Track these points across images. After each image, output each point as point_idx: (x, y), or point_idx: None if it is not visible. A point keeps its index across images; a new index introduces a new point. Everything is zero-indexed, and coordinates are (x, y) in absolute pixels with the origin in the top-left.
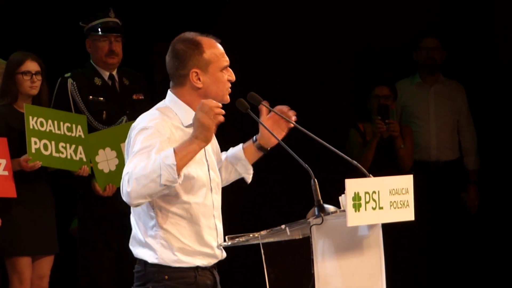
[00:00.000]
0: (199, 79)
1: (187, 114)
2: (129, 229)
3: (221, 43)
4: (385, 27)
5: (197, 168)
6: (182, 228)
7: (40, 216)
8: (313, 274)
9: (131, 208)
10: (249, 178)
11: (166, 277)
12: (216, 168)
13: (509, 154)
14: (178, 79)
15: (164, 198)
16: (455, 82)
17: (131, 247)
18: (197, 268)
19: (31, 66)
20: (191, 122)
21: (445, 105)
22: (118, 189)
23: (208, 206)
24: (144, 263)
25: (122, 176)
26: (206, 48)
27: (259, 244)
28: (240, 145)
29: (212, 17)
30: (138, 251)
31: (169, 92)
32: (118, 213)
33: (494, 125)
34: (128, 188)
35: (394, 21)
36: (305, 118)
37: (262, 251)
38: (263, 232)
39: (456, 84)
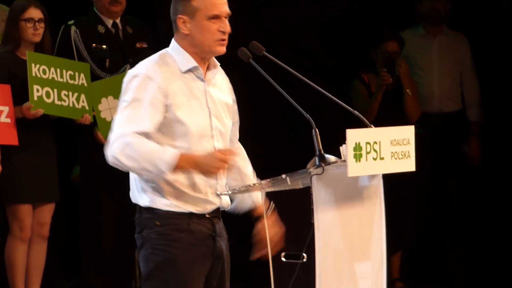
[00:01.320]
0: (185, 25)
1: (185, 60)
2: (129, 178)
3: None
4: None
5: (196, 115)
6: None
7: (41, 163)
8: (313, 223)
9: None
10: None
11: (158, 223)
12: (223, 116)
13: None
14: (173, 24)
15: (158, 141)
16: (458, 33)
17: (130, 193)
18: (191, 214)
19: (34, 13)
20: (189, 67)
21: (448, 57)
22: None
23: (207, 152)
24: (139, 209)
25: (114, 129)
26: None
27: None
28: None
29: None
30: (134, 196)
31: (173, 39)
32: None
33: (497, 77)
34: (117, 153)
35: None
36: (309, 69)
37: (263, 200)
38: (264, 181)
39: (460, 36)
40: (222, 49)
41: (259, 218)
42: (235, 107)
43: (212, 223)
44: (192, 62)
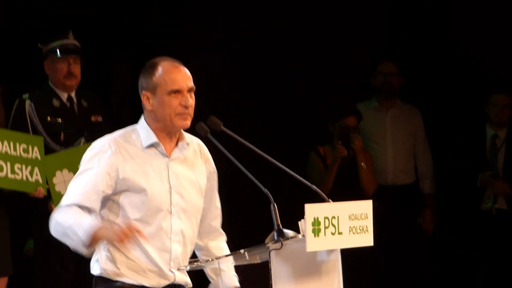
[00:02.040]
0: (148, 101)
1: (147, 136)
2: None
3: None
4: (343, 52)
5: (154, 189)
6: (129, 244)
7: None
8: None
9: None
10: None
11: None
12: (188, 193)
13: (465, 178)
14: (141, 100)
15: (112, 212)
16: (411, 106)
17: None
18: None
19: None
20: (150, 142)
21: (401, 129)
22: None
23: (163, 228)
24: (94, 279)
25: (59, 205)
26: (158, 71)
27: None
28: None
29: (171, 36)
30: (91, 265)
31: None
32: None
33: (450, 149)
34: (52, 220)
35: (352, 46)
36: (265, 142)
37: (221, 276)
38: (222, 256)
39: (413, 109)
40: (185, 123)
41: None
42: (213, 183)
43: None
44: (153, 138)
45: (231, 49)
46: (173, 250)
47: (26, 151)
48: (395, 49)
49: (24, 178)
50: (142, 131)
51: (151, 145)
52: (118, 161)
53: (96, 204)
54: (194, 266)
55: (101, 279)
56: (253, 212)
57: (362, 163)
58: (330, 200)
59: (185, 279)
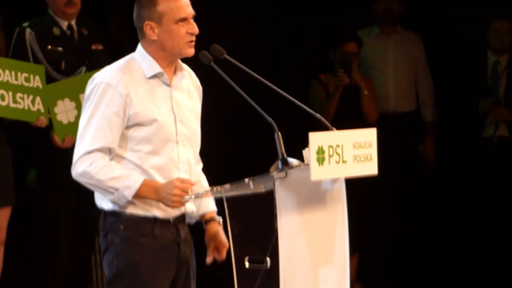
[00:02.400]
0: (153, 31)
1: (150, 65)
2: None
3: None
4: None
5: (160, 119)
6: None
7: None
8: (276, 228)
9: None
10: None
11: (122, 227)
12: (190, 121)
13: (466, 105)
14: (139, 31)
15: (120, 146)
16: (413, 33)
17: (95, 198)
18: (155, 219)
19: None
20: (154, 73)
21: (403, 57)
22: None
23: (171, 158)
24: (104, 213)
25: (77, 145)
26: (161, 0)
27: (222, 197)
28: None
29: None
30: (98, 201)
31: (138, 44)
32: None
33: (452, 76)
34: (79, 177)
35: None
36: (268, 70)
37: (226, 205)
38: (226, 186)
39: (414, 36)
40: (192, 51)
41: (209, 222)
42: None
43: (177, 228)
44: (157, 68)
45: None
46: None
47: (27, 80)
48: None
49: (26, 107)
50: (143, 61)
51: (154, 75)
52: (128, 96)
53: (117, 143)
54: (199, 195)
55: (112, 213)
56: (257, 142)
57: (365, 91)
58: (334, 129)
59: (192, 207)
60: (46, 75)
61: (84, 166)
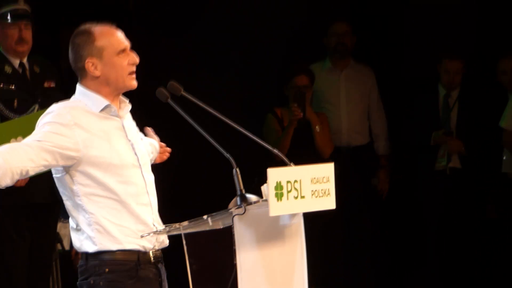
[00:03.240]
0: (95, 68)
1: (96, 101)
2: (40, 219)
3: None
4: (296, 13)
5: (120, 149)
6: (113, 210)
7: None
8: (235, 264)
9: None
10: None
11: (107, 269)
12: (143, 147)
13: (418, 137)
14: (79, 71)
15: (87, 183)
16: (365, 66)
17: (73, 243)
18: (138, 259)
19: None
20: (102, 107)
21: (355, 90)
22: (31, 179)
23: (139, 184)
24: (86, 256)
25: None
26: (98, 36)
27: (181, 234)
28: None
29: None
30: (79, 244)
31: (77, 85)
32: (30, 202)
33: (403, 108)
34: None
35: (305, 6)
36: (223, 105)
37: (184, 242)
38: (184, 223)
39: (367, 69)
40: (135, 83)
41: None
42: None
43: (157, 268)
44: (104, 102)
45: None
46: (152, 203)
47: None
48: (347, 9)
49: None
50: (88, 99)
51: (103, 109)
52: (82, 133)
53: (41, 163)
54: (157, 232)
55: (96, 254)
56: (215, 178)
57: (317, 126)
58: (291, 164)
59: (166, 241)
60: None
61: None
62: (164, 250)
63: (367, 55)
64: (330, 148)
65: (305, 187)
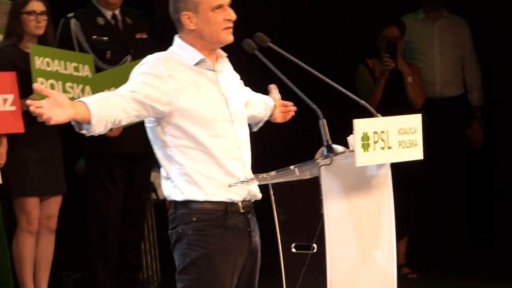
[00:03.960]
0: (191, 21)
1: (192, 54)
2: (134, 168)
3: None
4: None
5: (212, 103)
6: (203, 162)
7: (47, 156)
8: (322, 214)
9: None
10: (257, 127)
11: (194, 219)
12: (239, 101)
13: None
14: (177, 23)
15: (177, 135)
16: (459, 17)
17: (163, 191)
18: (226, 209)
19: (36, 5)
20: (197, 60)
21: (449, 41)
22: (124, 129)
23: (231, 138)
24: (174, 204)
25: None
26: None
27: (268, 184)
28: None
29: None
30: (168, 193)
31: (175, 37)
32: (124, 152)
33: (498, 61)
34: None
35: None
36: (313, 56)
37: (271, 192)
38: (272, 173)
39: (460, 20)
40: (231, 38)
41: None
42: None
43: (247, 218)
44: (199, 56)
45: None
46: (244, 158)
47: (77, 69)
48: None
49: (76, 96)
50: (183, 52)
51: (197, 63)
52: (175, 84)
53: (137, 109)
54: (245, 181)
55: (185, 203)
56: (302, 129)
57: (409, 77)
58: (379, 115)
59: (256, 193)
60: None
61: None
62: (257, 202)
63: (461, 7)
64: (422, 99)
65: (392, 138)
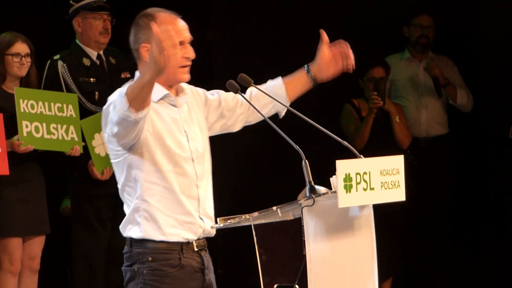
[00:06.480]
0: (149, 54)
1: (156, 90)
2: (121, 209)
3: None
4: (374, 4)
5: (174, 140)
6: (162, 198)
7: (31, 196)
8: (305, 255)
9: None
10: (282, 114)
11: (150, 258)
12: (199, 138)
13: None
14: (135, 53)
15: (141, 169)
16: (445, 57)
17: (120, 228)
18: (181, 248)
19: (21, 48)
20: (161, 96)
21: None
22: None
23: (190, 176)
24: (130, 241)
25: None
26: (160, 23)
27: (250, 225)
28: (280, 80)
29: None
30: (125, 230)
31: (136, 72)
32: (111, 192)
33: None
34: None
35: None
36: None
37: (254, 233)
38: (254, 214)
39: (446, 59)
40: (186, 77)
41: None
42: (210, 100)
43: (201, 256)
44: (163, 91)
45: None
46: (200, 196)
47: (61, 110)
48: (428, 2)
49: (60, 137)
50: None
51: (162, 98)
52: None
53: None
54: (227, 224)
55: (141, 242)
56: (286, 170)
57: (396, 117)
58: (361, 156)
59: (209, 230)
60: (81, 107)
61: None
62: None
63: (446, 47)
64: (409, 139)
65: (375, 179)
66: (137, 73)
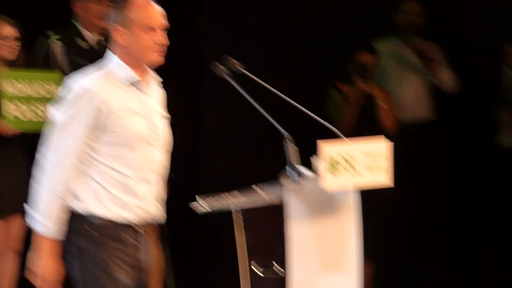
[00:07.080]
0: (122, 37)
1: (126, 73)
2: None
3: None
4: None
5: (133, 120)
6: (111, 179)
7: (14, 178)
8: (287, 235)
9: None
10: None
11: (89, 230)
12: (160, 125)
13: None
14: (109, 31)
15: (93, 148)
16: (432, 43)
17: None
18: (122, 223)
19: (11, 31)
20: (132, 81)
21: (421, 66)
22: None
23: (148, 160)
24: (72, 215)
25: (48, 156)
26: (133, 6)
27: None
28: None
29: None
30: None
31: (110, 54)
32: None
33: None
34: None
35: None
36: (283, 81)
37: (237, 214)
38: (235, 193)
39: (435, 46)
40: (160, 58)
41: None
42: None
43: (137, 235)
44: (134, 76)
45: None
46: (155, 182)
47: (49, 92)
48: None
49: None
50: (118, 68)
51: (132, 83)
52: (106, 101)
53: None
54: (212, 206)
55: (84, 218)
56: (272, 152)
57: (383, 103)
58: (346, 139)
59: (162, 211)
60: None
61: (54, 178)
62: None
63: (434, 37)
64: (395, 124)
65: (360, 163)
66: (113, 57)
